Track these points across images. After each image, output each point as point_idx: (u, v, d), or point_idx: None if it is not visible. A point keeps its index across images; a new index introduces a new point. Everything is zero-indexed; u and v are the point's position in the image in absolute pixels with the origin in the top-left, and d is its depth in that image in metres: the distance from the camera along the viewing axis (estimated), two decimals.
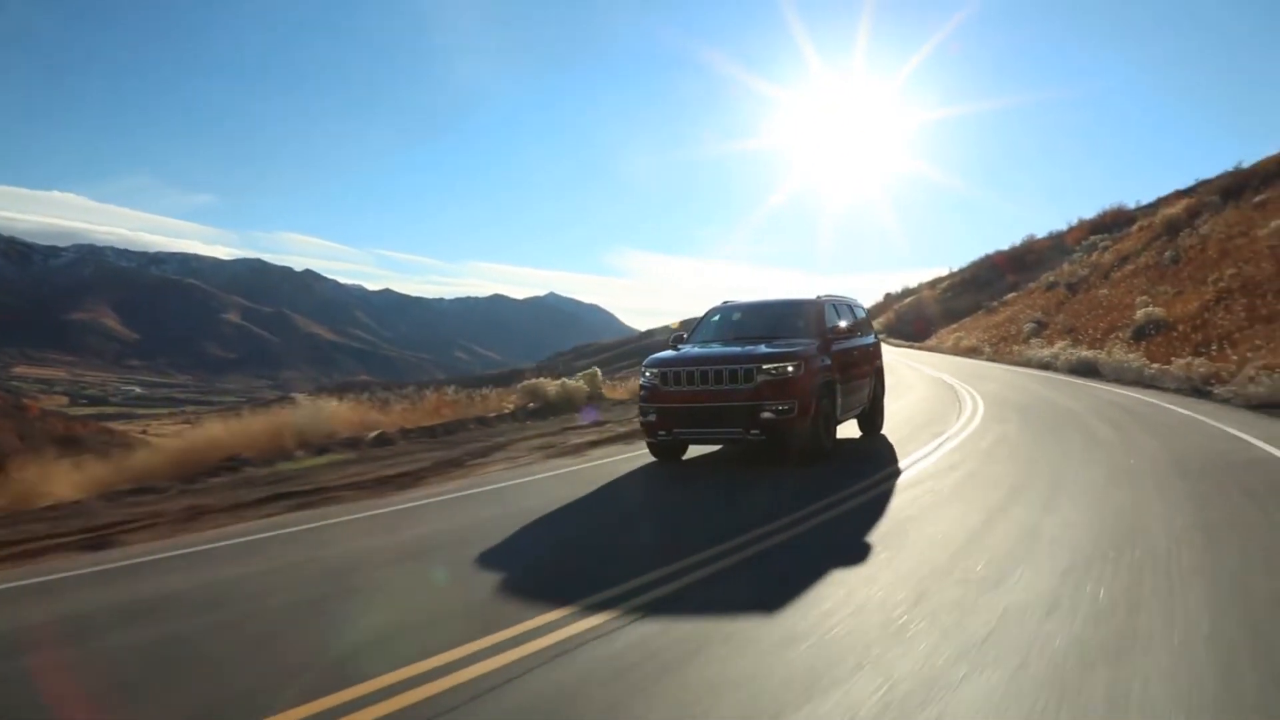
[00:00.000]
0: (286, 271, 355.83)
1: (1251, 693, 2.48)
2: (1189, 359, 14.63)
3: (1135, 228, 36.24)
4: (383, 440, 9.92)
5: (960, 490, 5.81)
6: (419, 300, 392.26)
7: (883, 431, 9.12)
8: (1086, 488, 5.79)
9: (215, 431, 9.13)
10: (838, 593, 3.52)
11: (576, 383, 14.74)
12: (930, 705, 2.43)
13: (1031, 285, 43.87)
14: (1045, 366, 20.91)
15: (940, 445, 8.04)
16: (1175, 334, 17.16)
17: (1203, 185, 34.59)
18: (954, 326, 48.21)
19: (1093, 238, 42.30)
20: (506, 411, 12.87)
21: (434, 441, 10.14)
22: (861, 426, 9.05)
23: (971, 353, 31.31)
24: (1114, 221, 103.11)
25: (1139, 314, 19.81)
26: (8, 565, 4.94)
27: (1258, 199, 23.91)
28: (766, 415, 6.64)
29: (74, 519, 6.25)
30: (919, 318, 77.46)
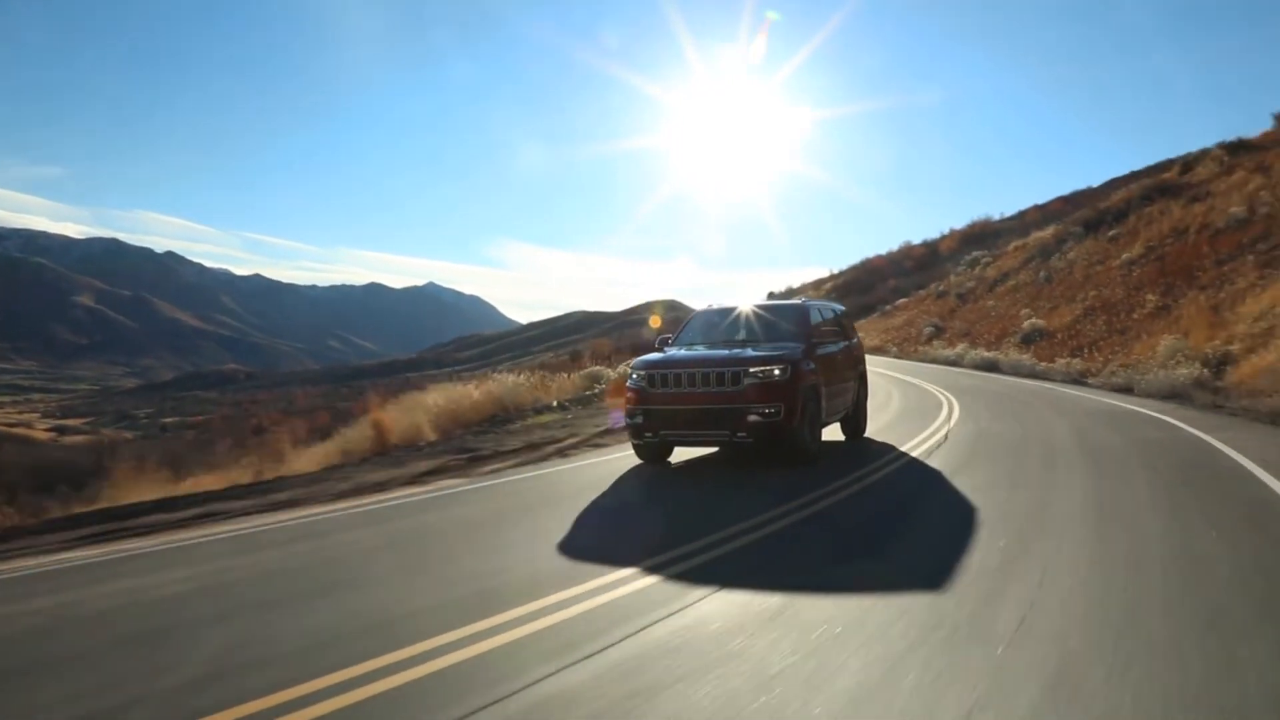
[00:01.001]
0: (146, 253, 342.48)
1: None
2: (1068, 359, 20.03)
3: (1011, 247, 43.40)
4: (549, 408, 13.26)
5: (963, 422, 10.02)
6: (291, 287, 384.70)
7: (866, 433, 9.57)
8: (1023, 418, 10.16)
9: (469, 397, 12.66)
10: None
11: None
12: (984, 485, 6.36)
13: (922, 293, 50.59)
14: (951, 364, 26.28)
15: (947, 410, 12.30)
16: (1055, 340, 22.78)
17: (1068, 215, 41.96)
18: (866, 324, 54.44)
19: (974, 253, 49.50)
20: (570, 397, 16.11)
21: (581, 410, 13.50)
22: (845, 430, 9.34)
23: (878, 351, 36.90)
24: (982, 233, 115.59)
25: (1025, 324, 25.55)
26: (426, 480, 8.04)
27: (1111, 234, 30.68)
28: (753, 418, 6.90)
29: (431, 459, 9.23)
30: None
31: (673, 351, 7.92)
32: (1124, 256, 26.39)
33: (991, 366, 23.30)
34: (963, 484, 6.25)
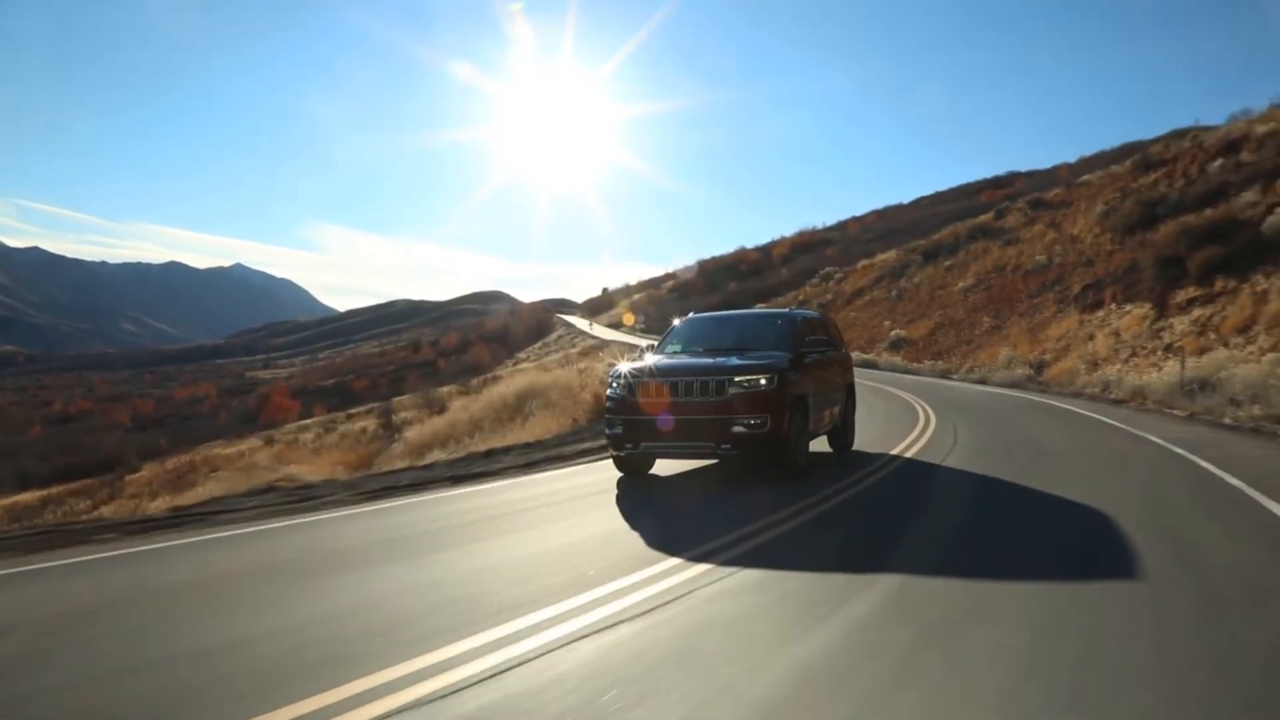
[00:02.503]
0: None
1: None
2: (932, 361, 28.94)
3: (860, 265, 53.89)
4: None
5: (916, 398, 17.67)
6: (77, 262, 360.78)
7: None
8: (931, 393, 18.00)
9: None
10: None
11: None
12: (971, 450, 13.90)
13: (780, 300, 60.15)
14: None
15: (896, 391, 19.94)
16: (918, 347, 31.88)
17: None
18: None
19: (827, 268, 59.67)
20: None
21: None
22: (832, 443, 9.62)
23: None
24: (810, 241, 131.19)
25: (891, 333, 34.70)
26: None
27: (947, 264, 41.08)
28: (738, 429, 6.99)
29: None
30: (661, 316, 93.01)
31: (655, 359, 8.13)
32: (960, 285, 36.42)
33: (870, 366, 31.99)
34: (945, 420, 13.54)
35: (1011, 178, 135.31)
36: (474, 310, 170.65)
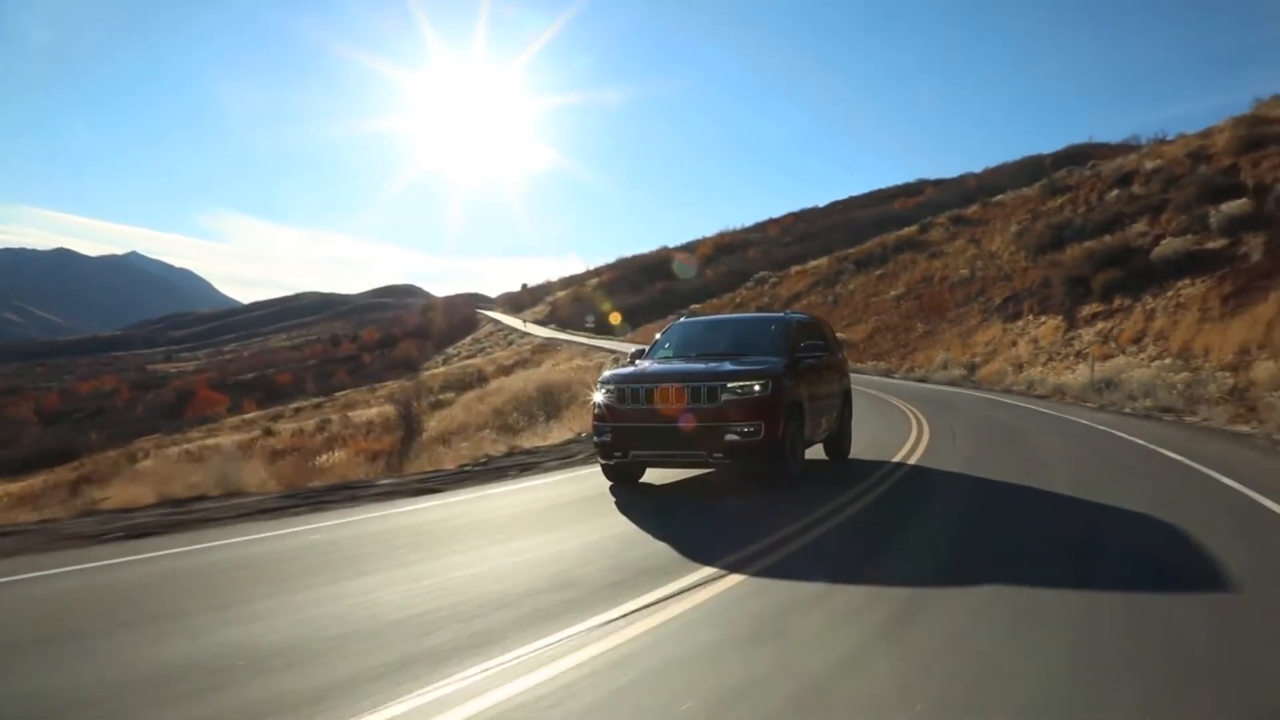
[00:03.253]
0: None
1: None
2: (874, 362, 33.39)
3: (794, 270, 58.58)
4: None
5: (867, 389, 21.75)
6: None
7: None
8: (885, 393, 22.19)
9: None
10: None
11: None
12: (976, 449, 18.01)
13: (715, 301, 64.27)
14: None
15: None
16: (859, 349, 36.35)
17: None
18: (654, 325, 66.92)
19: (761, 273, 64.19)
20: None
21: None
22: (828, 451, 9.71)
23: None
24: (731, 243, 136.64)
25: (837, 334, 39.19)
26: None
27: (879, 273, 46.03)
28: (731, 437, 7.03)
29: None
30: (592, 312, 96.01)
31: (645, 365, 8.20)
32: (892, 293, 41.28)
33: None
34: (917, 411, 17.52)
35: (921, 185, 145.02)
36: (387, 304, 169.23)
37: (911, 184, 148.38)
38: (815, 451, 9.19)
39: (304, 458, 23.29)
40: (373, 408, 42.18)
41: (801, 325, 9.19)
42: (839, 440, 9.77)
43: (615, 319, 53.18)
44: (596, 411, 7.71)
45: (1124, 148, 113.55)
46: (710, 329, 9.42)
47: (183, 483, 10.93)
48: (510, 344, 70.22)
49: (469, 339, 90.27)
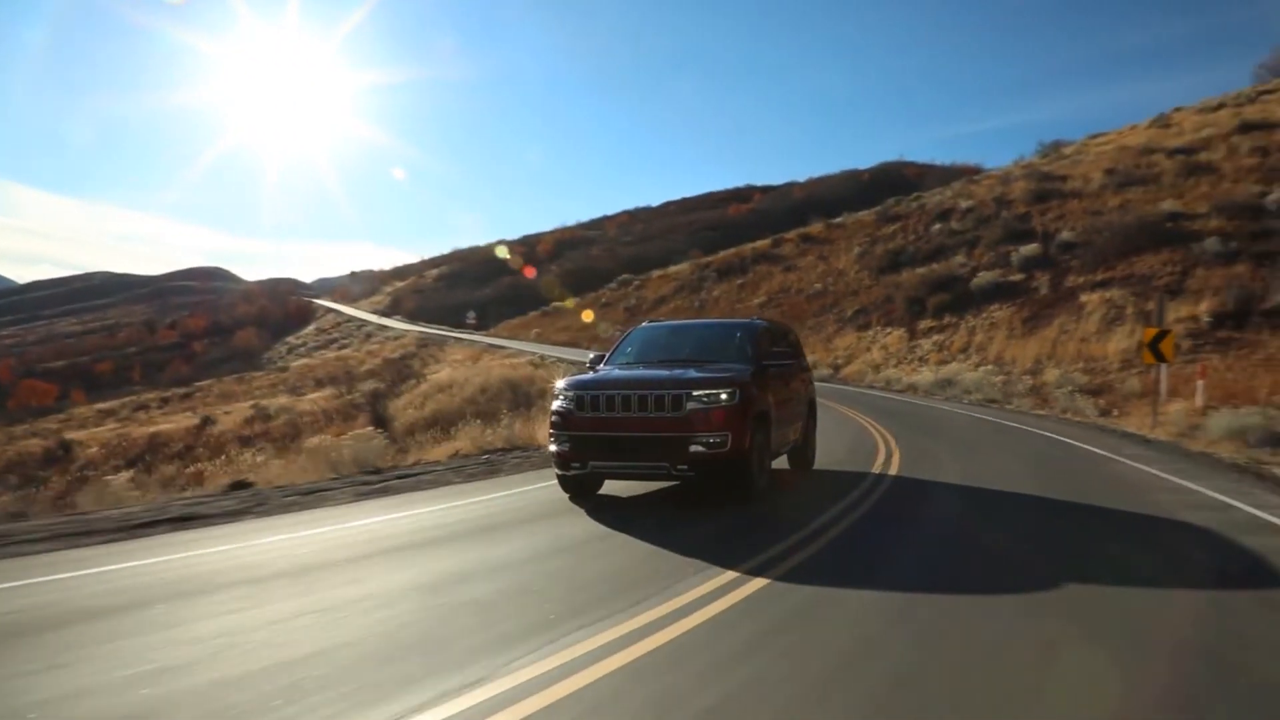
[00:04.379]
0: None
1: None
2: None
3: (656, 275, 65.27)
4: None
5: None
6: None
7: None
8: None
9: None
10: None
11: None
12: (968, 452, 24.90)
13: (585, 299, 69.70)
14: None
15: None
16: None
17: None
18: (516, 322, 71.32)
19: (625, 275, 70.33)
20: None
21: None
22: (792, 461, 9.93)
23: (571, 344, 54.64)
24: (572, 239, 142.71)
25: None
26: None
27: (740, 282, 53.53)
28: (696, 448, 7.01)
29: None
30: (438, 306, 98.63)
31: (606, 371, 8.26)
32: (756, 301, 48.74)
33: None
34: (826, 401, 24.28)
35: (750, 191, 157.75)
36: (191, 288, 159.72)
37: (741, 189, 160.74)
38: (779, 462, 9.35)
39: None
40: (279, 398, 44.38)
41: (769, 331, 9.24)
42: (804, 451, 9.97)
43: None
44: (553, 419, 7.65)
45: (932, 168, 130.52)
46: (674, 334, 9.50)
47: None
48: (369, 337, 72.11)
49: (311, 329, 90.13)
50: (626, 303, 61.23)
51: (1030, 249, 33.65)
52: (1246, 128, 38.34)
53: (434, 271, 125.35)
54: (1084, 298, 27.03)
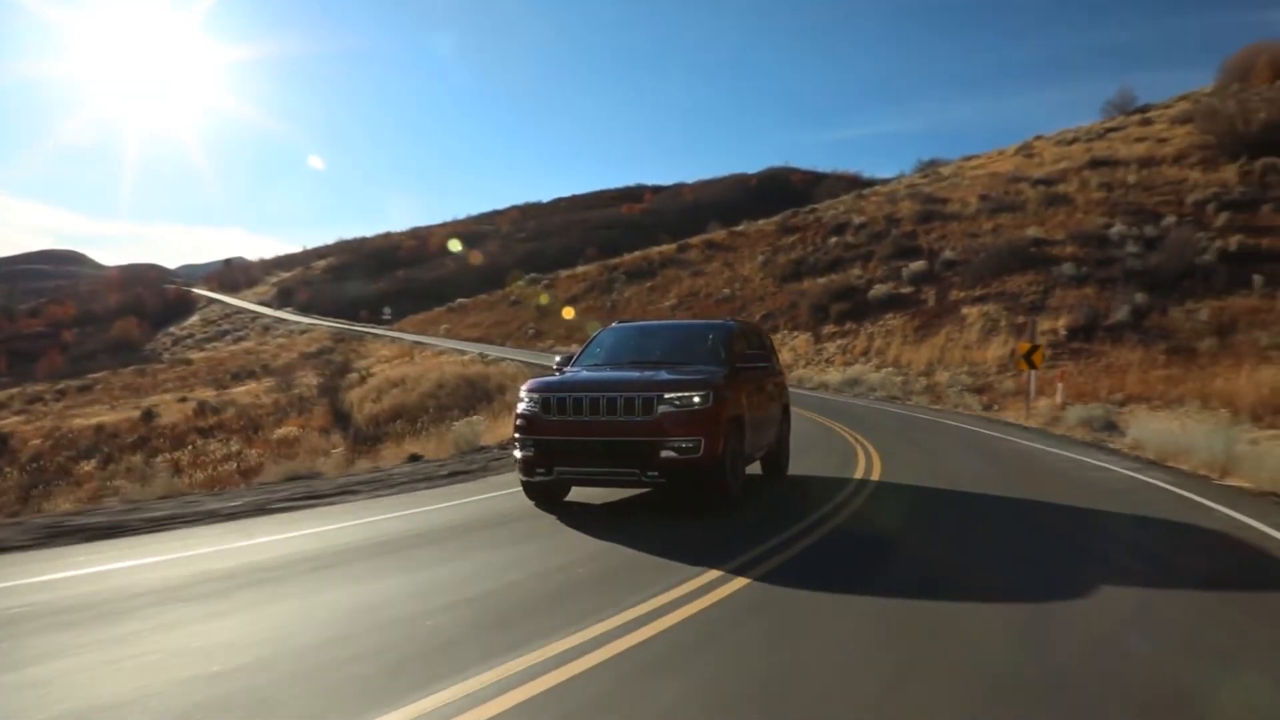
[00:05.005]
0: None
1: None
2: None
3: (564, 275, 68.44)
4: None
5: None
6: None
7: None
8: None
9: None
10: None
11: None
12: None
13: (488, 298, 71.98)
14: None
15: None
16: None
17: (610, 267, 68.44)
18: (421, 317, 72.93)
19: (532, 274, 73.16)
20: None
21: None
22: (765, 468, 9.97)
23: (484, 340, 57.17)
24: (467, 233, 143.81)
25: None
26: None
27: (649, 284, 57.42)
28: (667, 454, 6.96)
29: None
30: (332, 299, 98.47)
31: (574, 372, 8.22)
32: (667, 303, 52.77)
33: None
34: None
35: (641, 190, 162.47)
36: (43, 271, 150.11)
37: (632, 188, 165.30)
38: (751, 468, 9.27)
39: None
40: (188, 392, 45.18)
41: (742, 333, 9.29)
42: (777, 457, 10.05)
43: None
44: (518, 423, 7.57)
45: (816, 174, 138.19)
46: (646, 335, 9.52)
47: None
48: (267, 330, 72.00)
49: (196, 319, 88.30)
50: (534, 301, 64.15)
51: (918, 265, 39.00)
52: (1096, 163, 45.28)
53: (321, 263, 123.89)
54: (965, 310, 32.27)
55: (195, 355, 63.71)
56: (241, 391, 41.89)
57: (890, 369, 30.83)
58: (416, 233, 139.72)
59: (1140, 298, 27.85)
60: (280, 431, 28.53)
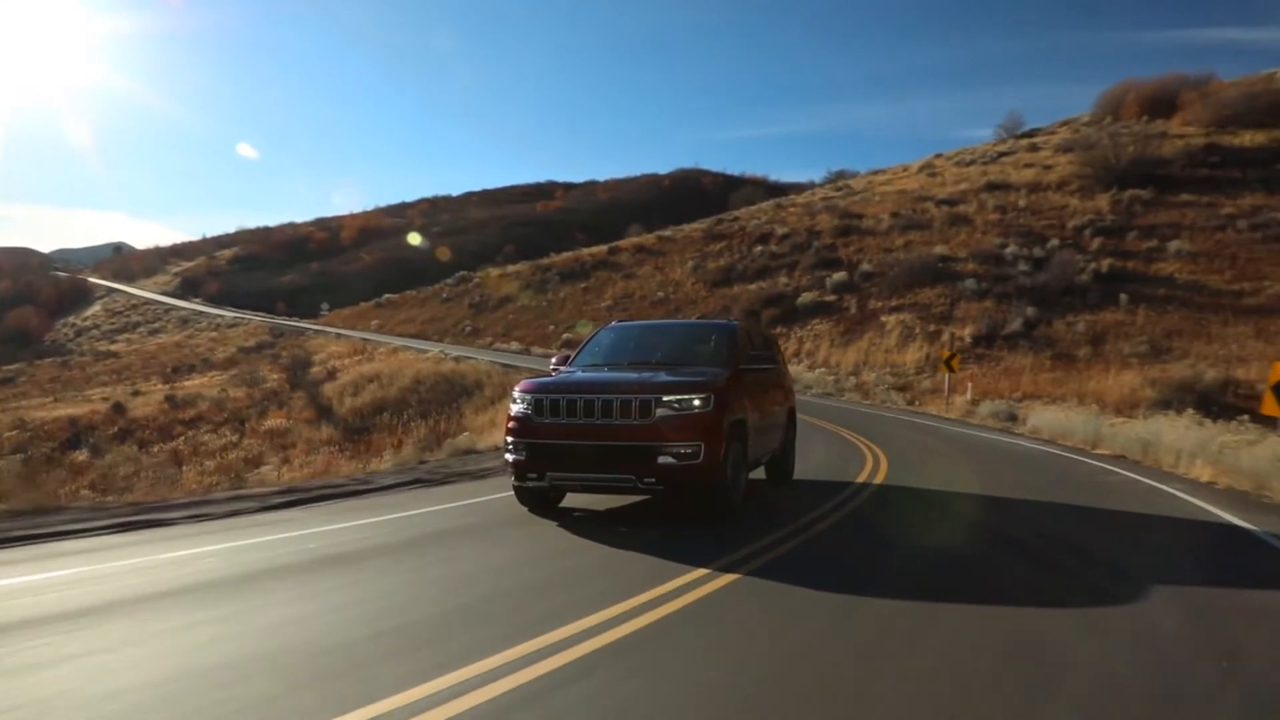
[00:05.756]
0: None
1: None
2: None
3: (495, 274, 71.44)
4: None
5: None
6: None
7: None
8: None
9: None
10: None
11: None
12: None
13: (421, 293, 74.04)
14: (523, 354, 52.07)
15: None
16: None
17: (542, 266, 71.68)
18: (348, 312, 74.55)
19: (462, 272, 75.62)
20: None
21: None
22: (770, 473, 9.93)
23: (421, 337, 59.85)
24: (377, 226, 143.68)
25: (563, 334, 53.32)
26: None
27: (584, 285, 61.25)
28: (665, 459, 6.81)
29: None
30: (245, 291, 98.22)
31: (569, 372, 8.13)
32: (603, 304, 56.72)
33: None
34: None
35: (553, 186, 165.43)
36: None
37: (544, 184, 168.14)
38: (755, 473, 9.27)
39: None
40: (145, 385, 46.62)
41: (748, 334, 9.17)
42: (783, 462, 9.96)
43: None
44: (510, 425, 7.47)
45: (726, 177, 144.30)
46: (647, 334, 9.48)
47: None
48: (186, 322, 72.31)
49: (98, 309, 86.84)
50: (472, 298, 66.98)
51: (839, 276, 44.27)
52: (991, 187, 51.77)
53: (226, 253, 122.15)
54: (885, 319, 37.58)
55: (117, 348, 63.84)
56: (197, 384, 43.63)
57: (822, 369, 35.75)
58: (325, 224, 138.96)
59: (1031, 311, 33.63)
60: (269, 423, 31.19)
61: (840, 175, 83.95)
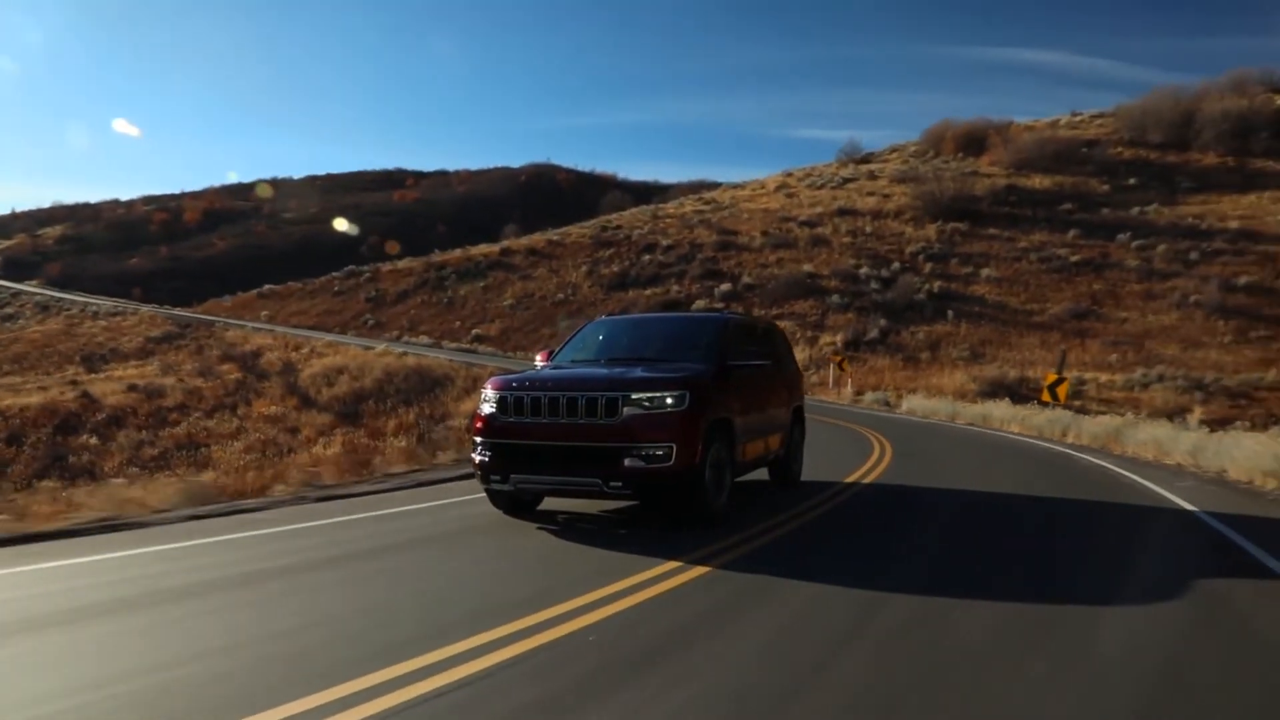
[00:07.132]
0: None
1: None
2: (520, 354, 55.96)
3: (387, 269, 76.54)
4: None
5: None
6: None
7: None
8: None
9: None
10: None
11: None
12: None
13: (308, 284, 77.70)
14: (436, 347, 58.53)
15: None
16: (497, 340, 58.32)
17: (434, 265, 77.22)
18: (229, 303, 77.24)
19: (350, 267, 79.90)
20: None
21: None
22: (773, 475, 9.84)
23: (320, 329, 64.66)
24: (228, 210, 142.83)
25: (473, 331, 60.19)
26: None
27: (483, 284, 68.01)
28: (633, 461, 6.61)
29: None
30: (92, 276, 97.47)
31: (541, 368, 8.02)
32: (506, 302, 63.88)
33: (472, 353, 57.04)
34: None
35: (403, 174, 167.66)
36: None
37: (393, 171, 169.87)
38: (760, 473, 9.47)
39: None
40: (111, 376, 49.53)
41: (741, 327, 8.99)
42: (787, 464, 9.84)
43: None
44: (477, 424, 7.37)
45: (578, 173, 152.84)
46: (634, 329, 9.39)
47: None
48: (47, 309, 72.33)
49: None
50: (368, 293, 71.90)
51: (726, 286, 53.97)
52: (842, 212, 63.30)
53: (51, 231, 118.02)
54: None
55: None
56: (132, 374, 47.27)
57: None
58: (161, 203, 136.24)
59: (884, 322, 44.52)
60: (261, 410, 36.91)
61: (702, 185, 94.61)
